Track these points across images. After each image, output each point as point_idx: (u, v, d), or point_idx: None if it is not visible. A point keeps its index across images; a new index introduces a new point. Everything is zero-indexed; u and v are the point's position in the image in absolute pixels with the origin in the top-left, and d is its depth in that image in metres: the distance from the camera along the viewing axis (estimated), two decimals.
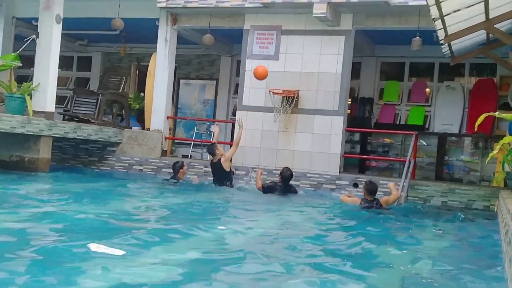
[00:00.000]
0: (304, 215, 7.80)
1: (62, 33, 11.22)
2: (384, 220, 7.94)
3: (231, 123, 14.28)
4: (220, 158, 10.57)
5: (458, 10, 8.62)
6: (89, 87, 16.28)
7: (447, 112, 13.69)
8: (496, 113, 3.01)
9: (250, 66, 12.09)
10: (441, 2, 7.61)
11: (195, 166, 12.10)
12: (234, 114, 14.09)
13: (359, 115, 14.34)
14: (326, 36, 11.56)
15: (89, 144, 12.84)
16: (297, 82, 11.71)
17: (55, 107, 11.47)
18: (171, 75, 13.11)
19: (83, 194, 7.99)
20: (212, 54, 15.65)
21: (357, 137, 13.79)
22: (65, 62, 16.30)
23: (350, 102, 13.39)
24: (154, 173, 12.33)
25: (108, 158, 12.87)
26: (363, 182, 9.54)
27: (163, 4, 12.38)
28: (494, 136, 12.65)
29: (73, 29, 14.19)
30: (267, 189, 10.17)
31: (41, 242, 4.32)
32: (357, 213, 8.48)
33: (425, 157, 12.98)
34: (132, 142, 12.78)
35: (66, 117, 13.08)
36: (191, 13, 12.64)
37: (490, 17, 9.00)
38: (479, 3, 8.33)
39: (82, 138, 11.76)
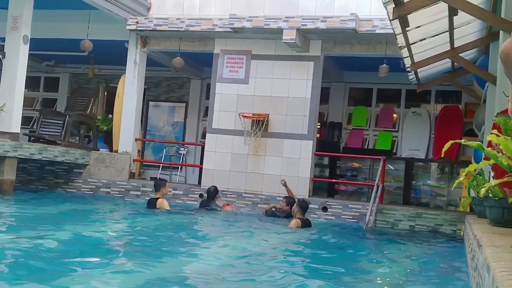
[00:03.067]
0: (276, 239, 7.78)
1: (29, 54, 11.07)
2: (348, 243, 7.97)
3: (200, 146, 14.24)
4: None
5: (424, 39, 8.84)
6: (56, 108, 16.07)
7: (414, 138, 13.91)
8: (462, 140, 3.08)
9: (220, 89, 12.13)
10: (407, 31, 7.77)
11: None
12: (203, 137, 14.07)
13: (328, 139, 14.47)
14: (296, 62, 11.69)
15: (55, 166, 12.63)
16: (267, 106, 11.77)
17: (21, 127, 11.26)
18: (140, 97, 13.04)
19: (46, 217, 7.82)
20: (182, 76, 15.65)
21: (326, 161, 13.89)
22: (31, 83, 16.09)
23: (319, 127, 13.50)
24: (121, 195, 12.17)
25: (75, 180, 12.67)
26: (297, 200, 9.84)
27: (133, 27, 12.36)
28: (460, 161, 12.89)
29: (41, 50, 14.02)
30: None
31: None
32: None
33: (392, 181, 13.12)
34: (99, 164, 12.62)
35: (32, 138, 12.86)
36: (161, 36, 12.65)
37: (455, 46, 9.24)
38: (444, 32, 8.55)
39: (48, 159, 11.56)
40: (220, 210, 10.57)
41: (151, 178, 13.79)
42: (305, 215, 9.38)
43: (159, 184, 10.24)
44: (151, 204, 9.91)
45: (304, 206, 9.41)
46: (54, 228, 6.81)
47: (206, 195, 11.01)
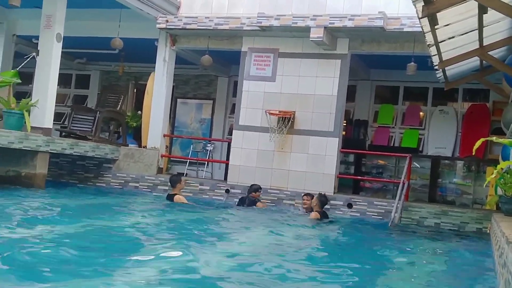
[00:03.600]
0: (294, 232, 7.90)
1: (61, 51, 11.35)
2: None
3: (226, 142, 14.41)
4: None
5: (453, 37, 8.83)
6: (86, 105, 16.39)
7: (440, 136, 13.88)
8: (494, 137, 3.15)
9: (247, 87, 12.27)
10: (436, 29, 7.80)
11: (191, 184, 12.18)
12: (230, 133, 14.23)
13: (353, 136, 14.51)
14: (323, 60, 11.76)
15: (85, 161, 12.91)
16: (293, 104, 11.88)
17: (53, 123, 11.55)
18: (168, 94, 13.26)
19: (79, 210, 8.06)
20: (210, 74, 15.83)
21: (351, 158, 13.93)
22: (63, 80, 16.41)
23: (345, 124, 13.56)
24: (149, 190, 12.40)
25: (104, 175, 12.94)
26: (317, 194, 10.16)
27: (163, 26, 12.56)
28: (487, 160, 12.84)
29: (73, 48, 14.35)
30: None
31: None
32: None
33: (418, 179, 13.13)
34: (128, 159, 12.87)
35: (64, 133, 13.15)
36: (190, 34, 12.83)
37: (484, 44, 9.22)
38: (473, 31, 8.55)
39: (79, 154, 11.84)
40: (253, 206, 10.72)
41: (178, 173, 14.00)
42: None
43: (174, 180, 10.41)
44: (169, 199, 10.19)
45: (323, 200, 9.92)
46: (82, 220, 7.00)
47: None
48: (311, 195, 10.40)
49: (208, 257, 5.10)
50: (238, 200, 11.22)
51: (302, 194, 10.69)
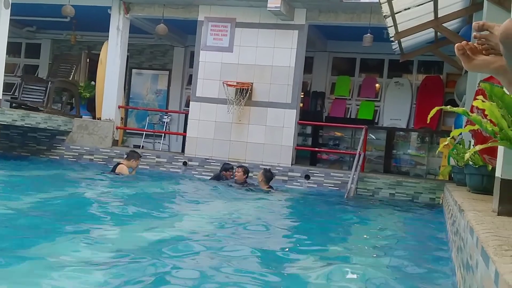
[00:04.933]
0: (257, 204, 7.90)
1: (10, 19, 10.89)
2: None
3: (183, 114, 14.24)
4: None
5: (409, 8, 8.89)
6: (37, 75, 15.88)
7: (395, 108, 14.07)
8: (448, 106, 3.17)
9: (204, 57, 12.10)
10: (392, 0, 7.82)
11: (148, 157, 12.02)
12: (187, 105, 14.06)
13: (311, 108, 14.56)
14: (280, 30, 11.68)
15: (37, 133, 12.57)
16: (251, 75, 11.79)
17: (2, 94, 11.14)
18: (123, 64, 12.96)
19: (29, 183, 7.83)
20: (165, 44, 15.54)
21: (309, 130, 14.00)
22: (12, 49, 15.83)
23: (302, 96, 13.57)
24: (104, 163, 12.18)
25: (57, 147, 12.63)
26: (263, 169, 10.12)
27: None
28: (440, 131, 13.10)
29: (22, 15, 13.79)
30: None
31: None
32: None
33: (374, 150, 13.32)
34: (82, 131, 12.58)
35: (14, 104, 12.73)
36: (144, 2, 12.51)
37: (438, 16, 9.31)
38: (428, 2, 8.61)
39: (30, 126, 11.49)
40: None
41: (134, 146, 13.80)
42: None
43: (131, 155, 10.13)
44: (114, 168, 9.99)
45: (268, 175, 9.83)
46: (31, 193, 6.82)
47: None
48: (243, 167, 10.33)
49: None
50: (212, 176, 10.95)
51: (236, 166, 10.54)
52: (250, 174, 10.53)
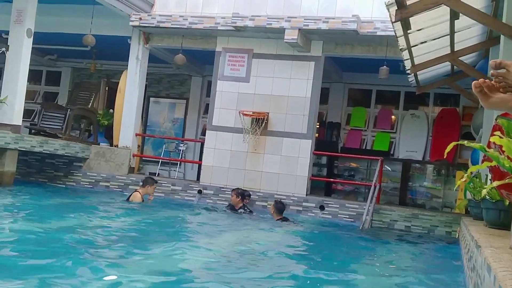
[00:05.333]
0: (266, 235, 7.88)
1: (32, 47, 11.14)
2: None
3: (199, 143, 14.34)
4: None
5: (425, 42, 8.95)
6: (57, 102, 16.14)
7: (411, 139, 14.04)
8: (465, 141, 3.20)
9: (221, 87, 12.23)
10: (409, 33, 7.88)
11: (163, 184, 12.08)
12: (203, 133, 14.16)
13: (326, 139, 14.59)
14: (297, 61, 11.79)
15: (55, 159, 12.71)
16: (267, 105, 11.88)
17: (22, 120, 11.34)
18: (141, 93, 13.14)
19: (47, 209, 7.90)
20: (183, 73, 15.74)
21: (324, 160, 13.99)
22: (33, 76, 16.14)
23: (318, 126, 13.62)
24: (120, 189, 12.25)
25: (74, 174, 12.75)
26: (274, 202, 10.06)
27: (136, 23, 12.44)
28: (457, 164, 13.02)
29: (44, 44, 14.08)
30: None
31: None
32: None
33: (389, 182, 13.25)
34: (99, 158, 12.70)
35: (33, 131, 12.93)
36: (164, 33, 12.74)
37: (455, 50, 9.35)
38: (444, 36, 8.66)
39: (48, 152, 11.64)
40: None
41: (150, 173, 13.88)
42: (282, 216, 9.60)
43: (146, 181, 10.13)
44: (129, 196, 10.02)
45: (279, 207, 9.71)
46: (47, 220, 6.87)
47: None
48: (235, 190, 10.36)
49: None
50: (227, 205, 10.87)
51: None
52: (264, 203, 10.50)
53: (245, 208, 10.46)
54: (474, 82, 1.41)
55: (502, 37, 7.26)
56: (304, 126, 11.65)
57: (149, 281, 4.06)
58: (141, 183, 10.36)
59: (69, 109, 12.74)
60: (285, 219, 9.64)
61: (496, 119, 5.67)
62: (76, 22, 12.84)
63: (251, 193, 11.15)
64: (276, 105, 11.84)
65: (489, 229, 5.52)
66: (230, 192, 10.89)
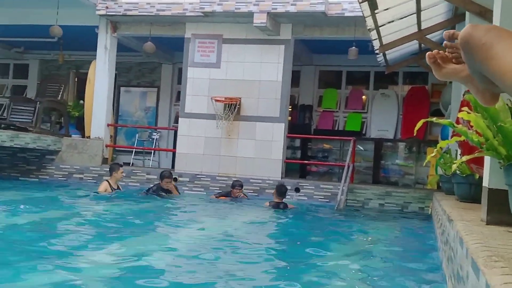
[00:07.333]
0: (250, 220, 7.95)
1: None
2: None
3: (173, 131, 14.30)
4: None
5: (392, 21, 9.04)
6: (26, 95, 15.88)
7: (382, 119, 14.22)
8: (434, 118, 3.28)
9: (191, 74, 12.19)
10: (376, 13, 7.96)
11: (138, 174, 12.04)
12: (176, 121, 14.12)
13: (299, 121, 14.68)
14: (267, 45, 11.81)
15: (26, 153, 12.55)
16: (239, 90, 11.89)
17: None
18: (111, 82, 13.01)
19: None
20: (153, 61, 15.62)
21: (297, 143, 14.11)
22: (0, 70, 15.85)
23: (290, 109, 13.68)
24: (94, 181, 12.15)
25: (47, 167, 12.61)
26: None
27: (103, 12, 12.28)
28: (427, 140, 13.26)
29: (9, 36, 13.83)
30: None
31: None
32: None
33: (362, 161, 13.44)
34: (71, 150, 12.58)
35: (3, 125, 12.71)
36: (131, 21, 12.61)
37: (422, 28, 9.48)
38: (411, 14, 8.77)
39: (19, 146, 11.48)
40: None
41: (124, 163, 13.78)
42: (282, 199, 9.40)
43: (111, 168, 10.03)
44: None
45: (279, 189, 9.49)
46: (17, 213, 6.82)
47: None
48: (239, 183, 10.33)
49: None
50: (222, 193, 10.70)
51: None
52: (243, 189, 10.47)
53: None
54: (428, 53, 1.44)
55: (467, 13, 7.39)
56: (276, 109, 11.71)
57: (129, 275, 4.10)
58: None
59: (38, 102, 12.55)
60: (280, 205, 9.31)
61: (463, 95, 5.80)
62: (41, 13, 12.58)
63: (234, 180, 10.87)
64: (248, 90, 11.86)
65: (461, 203, 5.67)
66: (208, 180, 10.84)
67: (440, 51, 1.43)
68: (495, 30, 1.21)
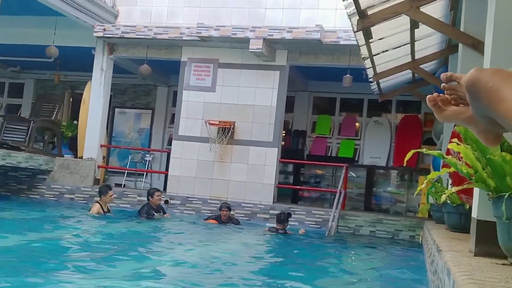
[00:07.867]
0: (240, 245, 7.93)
1: None
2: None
3: (166, 153, 14.30)
4: None
5: (386, 50, 9.16)
6: (20, 114, 15.85)
7: (375, 146, 14.29)
8: (424, 149, 3.32)
9: (186, 97, 12.25)
10: (370, 42, 8.06)
11: (129, 195, 12.01)
12: (169, 143, 14.12)
13: (292, 146, 14.73)
14: (262, 71, 11.91)
15: (18, 172, 12.50)
16: (233, 114, 11.94)
17: None
18: (106, 103, 13.05)
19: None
20: (149, 84, 15.68)
21: (290, 168, 14.12)
22: None
23: (284, 134, 13.74)
24: (85, 202, 12.10)
25: (38, 187, 12.56)
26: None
27: (100, 34, 12.37)
28: (419, 169, 13.31)
29: (6, 55, 13.89)
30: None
31: None
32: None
33: (354, 188, 13.45)
34: (63, 170, 12.55)
35: None
36: (128, 43, 12.70)
37: (415, 58, 9.59)
38: (405, 44, 8.88)
39: (11, 165, 11.44)
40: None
41: (116, 185, 13.76)
42: (283, 226, 9.36)
43: (100, 191, 9.99)
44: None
45: (278, 216, 9.52)
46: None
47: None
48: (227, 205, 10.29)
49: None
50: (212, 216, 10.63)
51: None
52: (231, 212, 10.46)
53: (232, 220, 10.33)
54: (428, 96, 1.46)
55: (460, 45, 7.49)
56: (270, 134, 11.76)
57: None
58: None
59: (32, 121, 12.55)
60: (278, 231, 9.31)
61: (454, 126, 5.86)
62: (39, 33, 12.69)
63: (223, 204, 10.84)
64: (242, 114, 11.91)
65: (451, 233, 5.68)
66: (199, 203, 10.81)
67: (440, 94, 1.45)
68: (501, 73, 1.22)
